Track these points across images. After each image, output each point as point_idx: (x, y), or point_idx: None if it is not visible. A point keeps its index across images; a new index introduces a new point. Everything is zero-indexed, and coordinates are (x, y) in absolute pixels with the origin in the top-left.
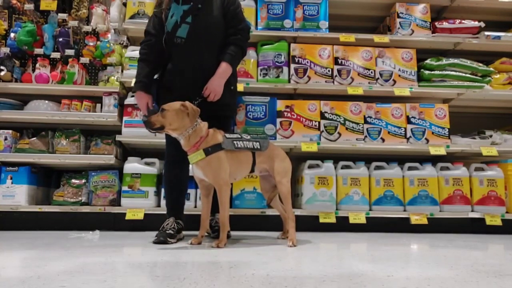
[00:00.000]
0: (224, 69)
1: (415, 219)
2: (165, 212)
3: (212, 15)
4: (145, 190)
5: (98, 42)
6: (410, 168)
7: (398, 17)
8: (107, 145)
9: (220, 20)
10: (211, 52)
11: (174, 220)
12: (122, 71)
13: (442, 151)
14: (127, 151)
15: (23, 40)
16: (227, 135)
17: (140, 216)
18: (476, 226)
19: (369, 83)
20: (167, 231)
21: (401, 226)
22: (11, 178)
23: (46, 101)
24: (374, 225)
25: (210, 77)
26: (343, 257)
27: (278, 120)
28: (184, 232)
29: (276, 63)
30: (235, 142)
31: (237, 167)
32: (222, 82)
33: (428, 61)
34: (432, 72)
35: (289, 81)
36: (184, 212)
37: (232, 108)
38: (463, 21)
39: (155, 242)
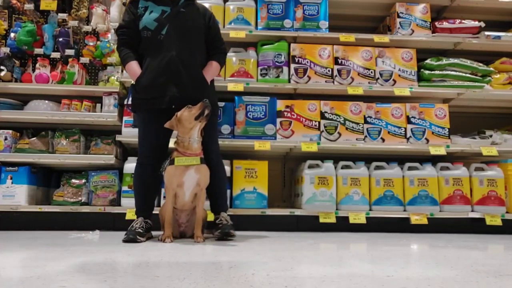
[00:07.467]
0: (216, 68)
1: (415, 219)
2: None
3: (194, 18)
4: None
5: (98, 42)
6: (410, 168)
7: (398, 17)
8: (107, 145)
9: (201, 27)
10: (187, 48)
11: (143, 220)
12: (122, 71)
13: (442, 151)
14: (127, 151)
15: (23, 40)
16: None
17: None
18: (476, 226)
19: (369, 83)
20: (137, 230)
21: (401, 226)
22: (11, 178)
23: (46, 101)
24: (374, 225)
25: (187, 70)
26: (343, 257)
27: (278, 120)
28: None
29: (276, 63)
30: None
31: None
32: (209, 80)
33: (428, 61)
34: (432, 72)
35: (289, 81)
36: None
37: (216, 106)
38: (463, 21)
39: (124, 241)
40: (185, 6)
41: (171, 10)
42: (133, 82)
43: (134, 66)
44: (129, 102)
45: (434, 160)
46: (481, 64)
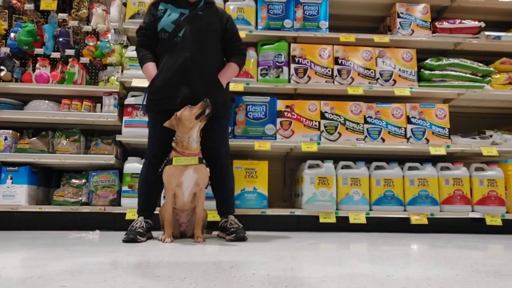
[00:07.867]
0: (234, 69)
1: (415, 219)
2: None
3: (210, 21)
4: None
5: (98, 42)
6: (410, 168)
7: (398, 17)
8: (107, 145)
9: (217, 29)
10: (202, 50)
11: (143, 219)
12: (122, 71)
13: (442, 151)
14: (127, 151)
15: (23, 40)
16: None
17: None
18: (476, 226)
19: (369, 83)
20: (137, 230)
21: (401, 226)
22: (11, 178)
23: (46, 101)
24: (374, 225)
25: (200, 72)
26: (343, 257)
27: (278, 120)
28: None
29: (276, 63)
30: None
31: None
32: (225, 82)
33: (428, 61)
34: (432, 72)
35: (289, 81)
36: None
37: (227, 108)
38: (463, 21)
39: (125, 241)
40: (204, 9)
41: (190, 12)
42: (148, 83)
43: (150, 67)
44: (144, 103)
45: (434, 160)
46: (481, 64)
